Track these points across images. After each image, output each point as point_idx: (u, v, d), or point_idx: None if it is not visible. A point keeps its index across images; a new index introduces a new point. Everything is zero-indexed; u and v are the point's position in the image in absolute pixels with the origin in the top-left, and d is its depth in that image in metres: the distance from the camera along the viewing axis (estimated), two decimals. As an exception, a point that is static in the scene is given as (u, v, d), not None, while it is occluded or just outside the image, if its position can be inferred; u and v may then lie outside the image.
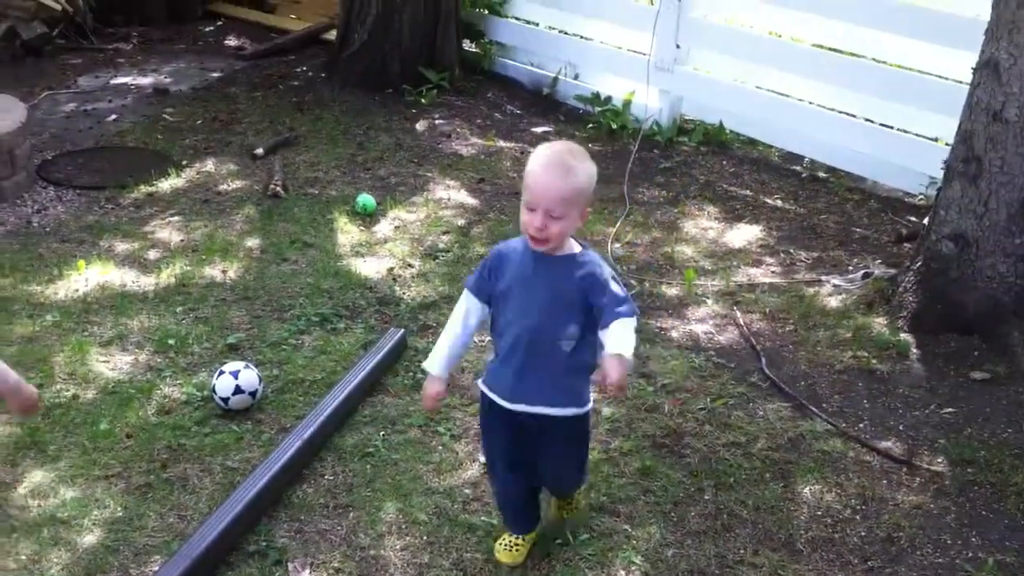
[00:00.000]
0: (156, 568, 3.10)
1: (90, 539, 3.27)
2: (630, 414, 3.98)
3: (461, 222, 5.60)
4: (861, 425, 3.99)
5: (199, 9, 9.52)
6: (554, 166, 2.76)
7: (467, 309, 3.01)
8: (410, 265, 5.04)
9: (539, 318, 2.86)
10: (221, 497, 3.40)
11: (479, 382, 3.08)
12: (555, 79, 7.55)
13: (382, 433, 3.82)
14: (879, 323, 4.61)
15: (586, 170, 2.79)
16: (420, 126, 6.48)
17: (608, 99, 7.15)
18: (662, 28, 6.72)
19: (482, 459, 3.65)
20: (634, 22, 7.03)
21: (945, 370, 4.32)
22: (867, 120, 6.25)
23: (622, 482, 3.61)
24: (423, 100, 7.27)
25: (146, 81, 7.80)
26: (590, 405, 3.05)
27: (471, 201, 5.88)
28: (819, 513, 3.51)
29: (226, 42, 8.77)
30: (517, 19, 7.95)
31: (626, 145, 6.69)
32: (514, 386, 2.95)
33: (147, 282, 4.84)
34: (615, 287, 2.82)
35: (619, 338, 2.73)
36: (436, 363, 3.06)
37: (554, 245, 2.82)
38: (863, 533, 3.44)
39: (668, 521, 3.45)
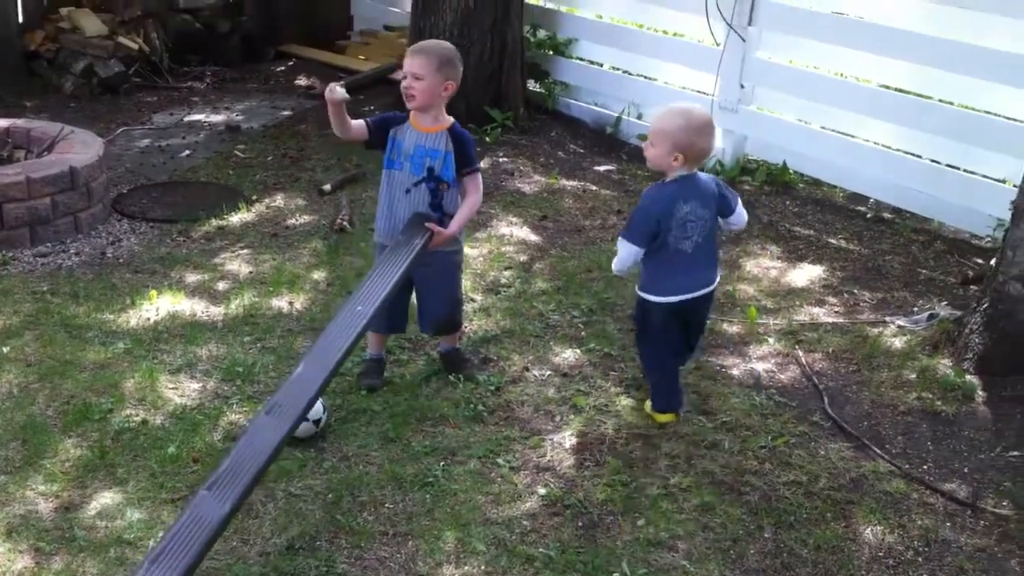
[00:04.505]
0: None
1: (156, 560, 3.34)
2: (689, 450, 3.97)
3: (523, 258, 5.65)
4: (925, 467, 3.94)
5: (271, 50, 9.76)
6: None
7: None
8: (472, 299, 5.09)
9: None
10: (284, 522, 3.48)
11: None
12: (618, 118, 7.60)
13: (442, 463, 3.85)
14: (944, 365, 4.56)
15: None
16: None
17: (671, 139, 7.17)
18: (727, 68, 6.76)
19: (542, 491, 3.68)
20: (698, 63, 7.09)
21: (1011, 413, 4.25)
22: (933, 161, 6.21)
23: (681, 518, 3.60)
24: (488, 139, 7.36)
25: (219, 119, 8.00)
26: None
27: (533, 238, 5.93)
28: (881, 554, 3.47)
29: (296, 81, 8.95)
30: (581, 59, 8.03)
31: (689, 184, 6.69)
32: None
33: (216, 312, 4.95)
34: None
35: None
36: None
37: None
38: (925, 575, 3.39)
39: (727, 558, 3.43)
